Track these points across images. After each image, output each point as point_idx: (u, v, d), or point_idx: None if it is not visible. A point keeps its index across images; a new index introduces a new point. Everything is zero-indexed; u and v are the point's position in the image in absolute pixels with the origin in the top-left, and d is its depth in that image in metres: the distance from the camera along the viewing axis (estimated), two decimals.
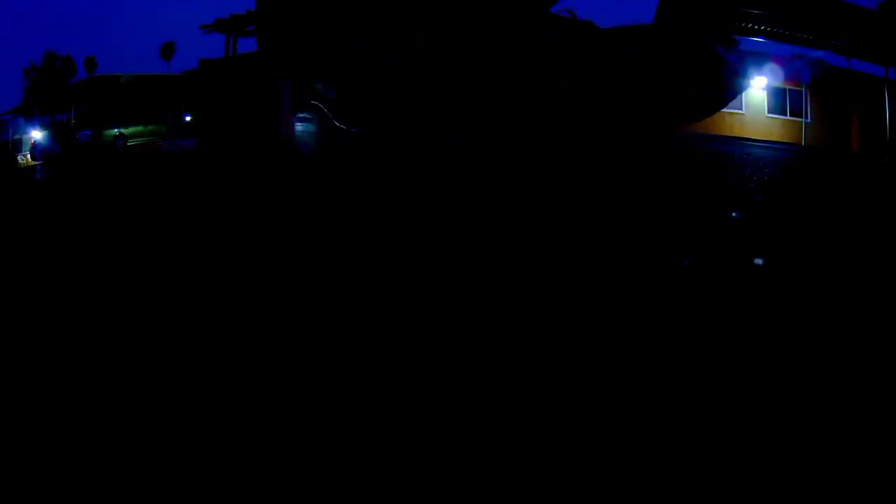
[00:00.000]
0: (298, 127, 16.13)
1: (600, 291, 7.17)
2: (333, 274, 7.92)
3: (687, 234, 9.65)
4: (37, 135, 22.92)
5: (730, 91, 15.68)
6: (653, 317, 6.55)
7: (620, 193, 11.66)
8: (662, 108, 14.73)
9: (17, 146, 22.68)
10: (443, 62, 14.81)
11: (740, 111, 19.25)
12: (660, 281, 7.70)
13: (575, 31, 16.05)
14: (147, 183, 15.75)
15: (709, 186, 13.11)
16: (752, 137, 18.24)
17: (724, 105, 16.36)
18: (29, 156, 22.51)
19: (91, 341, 6.21)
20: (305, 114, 16.05)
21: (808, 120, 18.85)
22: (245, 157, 15.21)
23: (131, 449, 4.41)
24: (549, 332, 6.14)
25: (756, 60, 18.60)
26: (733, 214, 11.10)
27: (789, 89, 18.75)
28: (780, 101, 18.92)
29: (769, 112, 18.87)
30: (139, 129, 23.01)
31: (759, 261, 8.79)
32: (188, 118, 23.23)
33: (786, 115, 18.94)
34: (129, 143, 22.51)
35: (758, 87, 18.44)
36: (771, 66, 18.28)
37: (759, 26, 19.18)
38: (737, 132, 18.61)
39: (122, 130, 22.47)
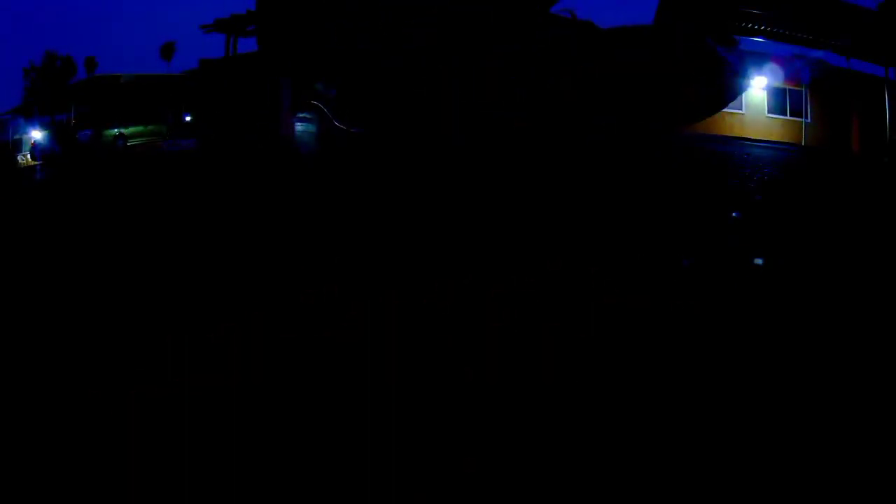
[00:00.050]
0: (298, 127, 16.13)
1: (600, 291, 7.17)
2: (333, 274, 7.92)
3: (687, 234, 9.65)
4: (37, 135, 22.92)
5: (730, 91, 15.68)
6: (652, 317, 6.55)
7: (620, 193, 11.67)
8: (662, 109, 14.74)
9: (17, 146, 22.68)
10: (443, 62, 14.81)
11: (740, 111, 19.26)
12: (660, 281, 7.70)
13: (575, 31, 16.05)
14: (147, 183, 15.76)
15: (709, 186, 13.12)
16: (752, 137, 18.25)
17: (725, 105, 16.36)
18: (29, 156, 22.51)
19: (91, 341, 6.21)
20: (305, 114, 16.05)
21: (808, 120, 18.85)
22: (245, 158, 15.21)
23: (131, 449, 4.41)
24: (549, 332, 6.14)
25: (756, 60, 18.61)
26: (733, 214, 11.10)
27: (789, 89, 18.76)
28: (780, 101, 18.93)
29: (769, 112, 18.88)
30: (139, 129, 23.01)
31: (759, 261, 8.79)
32: (188, 118, 23.23)
33: (786, 115, 18.94)
34: (129, 143, 22.52)
35: (758, 87, 18.45)
36: (771, 66, 18.29)
37: (759, 26, 19.19)
38: (737, 132, 18.62)
39: (122, 130, 22.48)
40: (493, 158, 13.48)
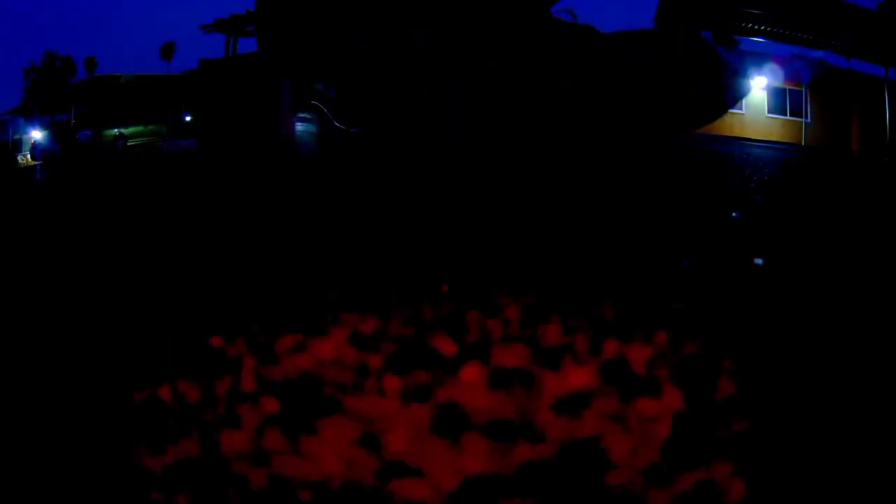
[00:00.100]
0: (298, 127, 16.13)
1: (600, 291, 7.16)
2: (333, 274, 7.91)
3: (687, 234, 9.65)
4: (37, 135, 22.91)
5: (733, 95, 15.69)
6: (653, 317, 6.54)
7: (620, 193, 11.66)
8: (663, 110, 14.74)
9: (17, 146, 22.66)
10: (443, 62, 14.82)
11: (740, 111, 19.24)
12: (660, 281, 7.70)
13: (575, 32, 16.06)
14: (147, 183, 15.76)
15: (709, 186, 13.12)
16: (752, 137, 18.24)
17: (728, 109, 16.37)
18: (29, 156, 22.50)
19: (90, 342, 6.21)
20: (305, 114, 16.05)
21: (808, 120, 18.84)
22: (245, 158, 15.21)
23: (131, 449, 4.41)
24: (549, 332, 6.14)
25: (756, 60, 18.60)
26: (733, 214, 11.10)
27: (789, 89, 18.75)
28: (780, 101, 18.91)
29: (769, 112, 18.86)
30: (139, 129, 23.00)
31: (759, 261, 8.79)
32: (188, 118, 23.22)
33: (786, 115, 18.93)
34: (129, 143, 22.51)
35: (758, 87, 18.43)
36: (771, 66, 18.29)
37: (759, 26, 19.20)
38: (737, 132, 18.60)
39: (122, 130, 22.47)
40: (493, 158, 13.49)
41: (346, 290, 7.18)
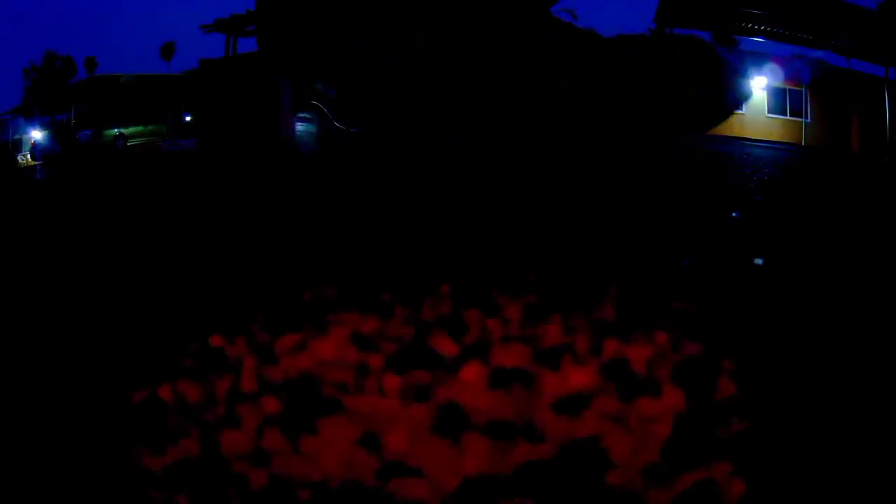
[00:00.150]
0: (298, 127, 16.13)
1: (600, 291, 7.16)
2: (333, 274, 7.91)
3: (687, 234, 9.65)
4: (37, 135, 22.90)
5: (736, 98, 15.72)
6: (653, 316, 6.54)
7: (620, 193, 11.66)
8: (664, 112, 14.76)
9: (17, 146, 22.65)
10: (443, 62, 14.83)
11: (740, 111, 19.23)
12: (660, 281, 7.69)
13: (575, 32, 16.08)
14: (147, 183, 15.76)
15: (708, 186, 13.11)
16: (752, 137, 18.21)
17: (732, 112, 16.39)
18: (29, 156, 22.49)
19: (90, 342, 6.21)
20: (305, 114, 16.06)
21: (808, 120, 18.83)
22: (245, 158, 15.21)
23: (131, 449, 4.41)
24: (549, 332, 6.13)
25: (756, 60, 18.60)
26: (733, 214, 11.10)
27: (789, 89, 18.74)
28: (780, 101, 18.89)
29: (769, 112, 18.84)
30: (139, 129, 23.00)
31: (759, 261, 8.79)
32: (188, 118, 23.22)
33: (786, 115, 18.92)
34: (129, 143, 22.50)
35: (758, 87, 18.42)
36: (771, 66, 18.28)
37: (759, 26, 19.20)
38: (736, 132, 18.59)
39: (122, 130, 22.47)
40: (493, 158, 13.48)
41: (346, 290, 7.17)
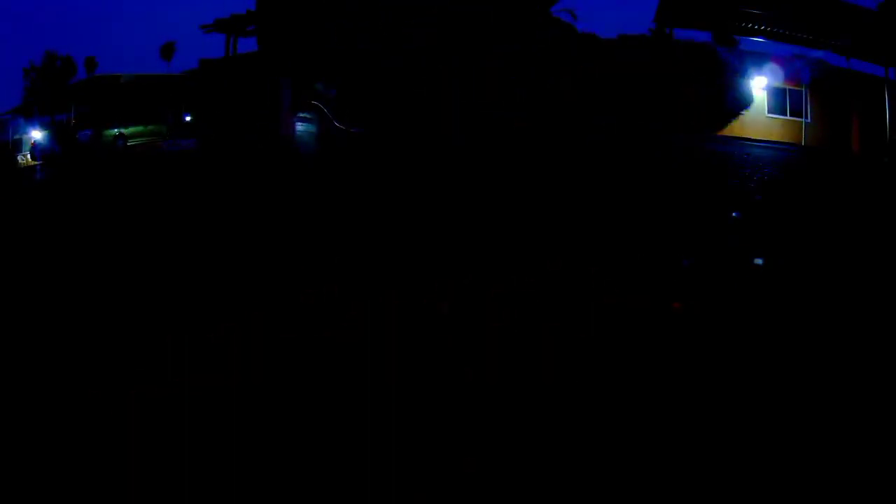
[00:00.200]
0: (298, 127, 16.12)
1: (600, 291, 7.16)
2: (333, 274, 7.91)
3: (687, 234, 9.65)
4: (37, 135, 22.88)
5: (734, 100, 15.73)
6: (652, 317, 6.54)
7: (620, 193, 11.66)
8: (665, 113, 14.75)
9: (17, 146, 22.64)
10: (443, 62, 14.82)
11: (742, 114, 19.18)
12: (660, 281, 7.70)
13: (575, 32, 16.08)
14: (147, 183, 15.75)
15: (709, 186, 13.10)
16: (752, 137, 18.20)
17: (732, 117, 16.39)
18: (29, 156, 22.48)
19: (91, 341, 6.20)
20: (305, 114, 16.05)
21: (808, 120, 18.82)
22: (245, 158, 15.20)
23: (131, 449, 4.41)
24: (549, 332, 6.14)
25: (756, 60, 18.59)
26: (733, 214, 11.09)
27: (789, 89, 18.72)
28: (780, 101, 18.88)
29: (769, 112, 18.82)
30: (139, 129, 22.98)
31: (759, 261, 8.78)
32: (188, 118, 23.21)
33: (786, 115, 18.90)
34: (129, 143, 22.49)
35: (758, 87, 18.41)
36: (771, 66, 18.26)
37: (759, 26, 19.18)
38: (736, 132, 18.58)
39: (122, 130, 22.45)
40: (493, 158, 13.48)
41: (346, 290, 7.17)
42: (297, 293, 7.26)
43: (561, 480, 4.19)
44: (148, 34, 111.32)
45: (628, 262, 8.31)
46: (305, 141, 15.90)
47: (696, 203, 11.45)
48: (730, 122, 18.27)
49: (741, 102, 18.18)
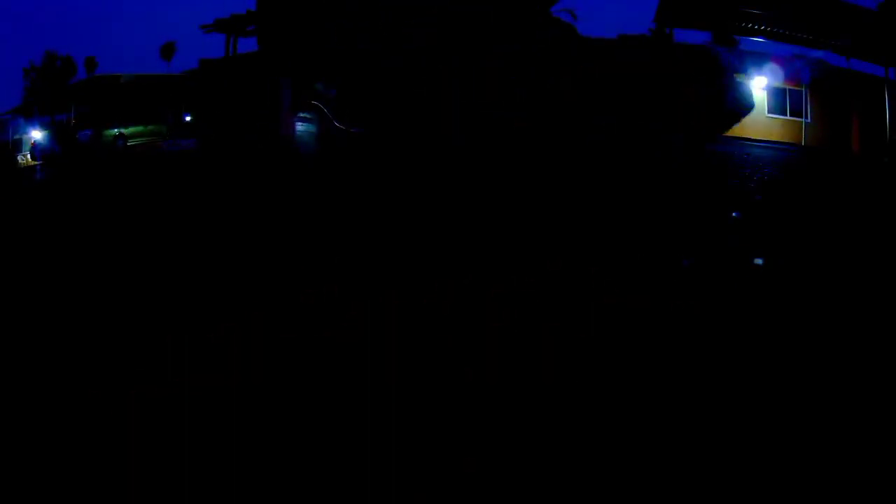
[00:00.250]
0: (298, 127, 16.12)
1: (600, 291, 7.16)
2: (333, 274, 7.92)
3: (687, 234, 9.65)
4: (37, 135, 22.89)
5: (734, 100, 15.72)
6: (652, 317, 6.54)
7: (620, 193, 11.66)
8: (665, 113, 14.74)
9: (17, 146, 22.64)
10: (443, 62, 14.82)
11: (744, 116, 19.17)
12: (660, 281, 7.70)
13: (575, 32, 16.08)
14: (147, 183, 15.75)
15: (709, 186, 13.11)
16: (752, 137, 18.19)
17: (735, 119, 16.37)
18: (29, 156, 22.48)
19: (91, 341, 6.20)
20: (305, 114, 16.05)
21: (808, 120, 18.82)
22: (245, 158, 15.20)
23: (131, 449, 4.41)
24: (549, 332, 6.14)
25: (756, 60, 18.59)
26: (733, 214, 11.10)
27: (789, 89, 18.72)
28: (780, 101, 18.88)
29: (769, 112, 18.82)
30: (139, 129, 22.99)
31: (759, 261, 8.79)
32: (188, 118, 23.22)
33: (786, 115, 18.90)
34: (129, 143, 22.49)
35: (758, 87, 18.42)
36: (771, 66, 18.26)
37: (759, 26, 19.17)
38: (736, 132, 18.58)
39: (122, 130, 22.46)
40: (493, 158, 13.48)
41: (346, 290, 7.18)
42: (297, 293, 7.26)
43: (560, 479, 4.19)
44: (148, 34, 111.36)
45: (628, 262, 8.31)
46: (305, 141, 15.90)
47: (695, 203, 11.46)
48: (730, 122, 18.27)
49: (741, 103, 18.18)
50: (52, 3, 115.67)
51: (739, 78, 17.52)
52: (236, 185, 13.25)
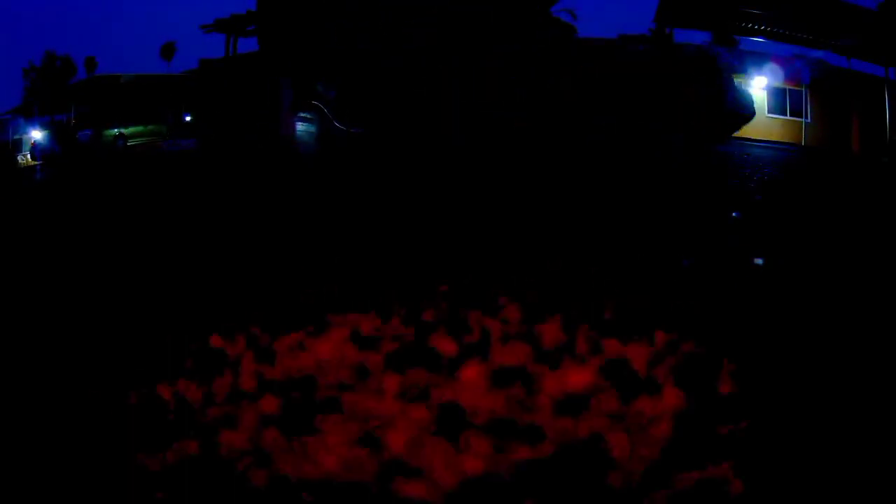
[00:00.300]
0: (298, 127, 16.11)
1: (600, 291, 7.16)
2: (333, 274, 7.91)
3: (687, 234, 9.65)
4: (37, 135, 22.89)
5: (734, 101, 15.72)
6: (652, 317, 6.54)
7: (620, 193, 11.66)
8: (665, 113, 14.74)
9: (17, 146, 22.64)
10: (443, 62, 14.81)
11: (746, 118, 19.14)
12: (660, 281, 7.69)
13: (575, 33, 16.07)
14: (147, 184, 15.75)
15: (708, 186, 13.10)
16: (752, 137, 18.18)
17: (738, 121, 16.36)
18: (29, 156, 22.48)
19: (91, 342, 6.20)
20: (305, 114, 16.03)
21: (808, 120, 18.82)
22: (245, 158, 15.19)
23: (131, 448, 4.41)
24: (549, 332, 6.14)
25: (756, 60, 18.59)
26: (733, 214, 11.10)
27: (789, 89, 18.72)
28: (780, 101, 18.87)
29: (769, 112, 18.81)
30: (139, 129, 23.00)
31: (759, 261, 8.78)
32: (188, 118, 23.22)
33: (786, 115, 18.90)
34: (129, 143, 22.50)
35: (758, 87, 18.41)
36: (771, 66, 18.26)
37: (759, 26, 19.18)
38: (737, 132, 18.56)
39: (122, 130, 22.47)
40: (493, 158, 13.47)
41: (346, 290, 7.17)
42: (297, 293, 7.26)
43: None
44: (148, 34, 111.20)
45: (628, 262, 8.31)
46: (305, 141, 15.89)
47: (696, 203, 11.45)
48: (730, 124, 18.25)
49: (742, 105, 18.16)
50: (52, 3, 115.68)
51: (739, 79, 17.51)
52: (236, 185, 13.24)
